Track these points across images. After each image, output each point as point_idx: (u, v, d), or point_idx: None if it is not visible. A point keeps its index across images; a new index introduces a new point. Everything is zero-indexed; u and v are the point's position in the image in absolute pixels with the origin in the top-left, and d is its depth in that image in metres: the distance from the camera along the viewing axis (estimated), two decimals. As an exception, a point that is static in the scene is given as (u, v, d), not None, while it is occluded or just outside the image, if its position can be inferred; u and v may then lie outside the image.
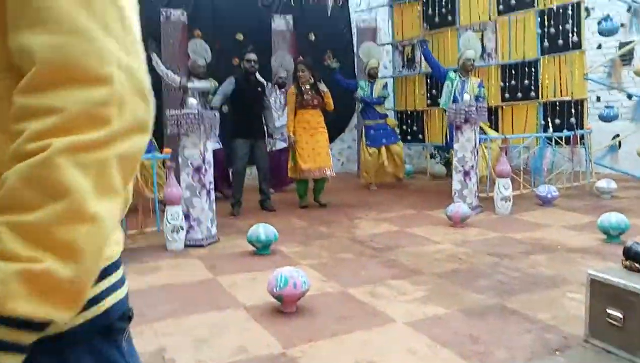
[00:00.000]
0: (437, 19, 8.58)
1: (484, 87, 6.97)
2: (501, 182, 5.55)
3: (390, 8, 9.52)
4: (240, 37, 8.21)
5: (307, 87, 6.18)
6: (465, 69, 6.75)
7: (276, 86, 7.57)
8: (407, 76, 9.20)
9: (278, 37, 8.51)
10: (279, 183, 7.56)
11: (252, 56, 6.03)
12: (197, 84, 6.46)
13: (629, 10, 8.06)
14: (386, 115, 7.84)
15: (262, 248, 4.18)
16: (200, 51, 6.79)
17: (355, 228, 5.14)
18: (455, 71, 6.87)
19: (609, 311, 2.37)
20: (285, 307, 2.97)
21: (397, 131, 8.31)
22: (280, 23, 8.53)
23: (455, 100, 6.44)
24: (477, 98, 6.63)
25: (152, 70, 6.40)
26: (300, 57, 6.72)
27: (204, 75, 6.70)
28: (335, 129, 8.64)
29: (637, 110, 7.47)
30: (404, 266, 3.84)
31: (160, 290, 3.42)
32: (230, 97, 6.08)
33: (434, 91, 8.66)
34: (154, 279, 3.65)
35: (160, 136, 6.88)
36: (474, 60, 6.81)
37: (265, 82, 7.36)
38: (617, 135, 7.85)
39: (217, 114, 4.91)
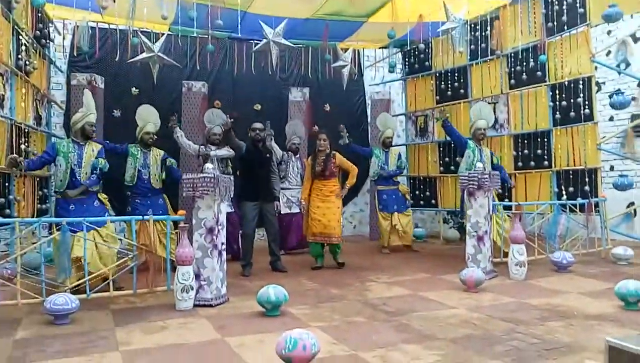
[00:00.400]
0: (449, 92, 8.81)
1: (495, 156, 7.12)
2: (515, 248, 5.49)
3: (403, 82, 9.83)
4: (258, 107, 8.52)
5: (323, 158, 6.45)
6: (477, 138, 6.88)
7: (290, 153, 7.81)
8: (420, 144, 9.36)
9: (294, 107, 8.78)
10: (288, 246, 7.64)
11: (257, 125, 6.29)
12: (220, 152, 6.67)
13: (639, 84, 8.22)
14: (399, 182, 8.01)
15: (271, 310, 4.13)
16: (215, 120, 7.03)
17: (367, 291, 5.06)
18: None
19: (629, 377, 2.28)
20: (294, 369, 2.90)
21: (409, 197, 8.40)
22: (297, 95, 8.83)
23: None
24: (495, 167, 6.72)
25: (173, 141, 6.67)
26: (316, 127, 6.94)
27: (219, 143, 6.90)
28: (348, 193, 8.70)
29: (652, 179, 7.44)
30: (417, 331, 3.75)
31: (167, 350, 3.37)
32: (239, 163, 6.40)
33: (446, 158, 8.79)
34: (162, 338, 3.60)
35: (175, 197, 7.02)
36: (485, 130, 6.94)
37: (281, 152, 7.60)
38: (632, 203, 7.79)
39: (232, 178, 5.01)
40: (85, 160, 5.16)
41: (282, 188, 7.47)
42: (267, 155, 6.38)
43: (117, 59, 7.23)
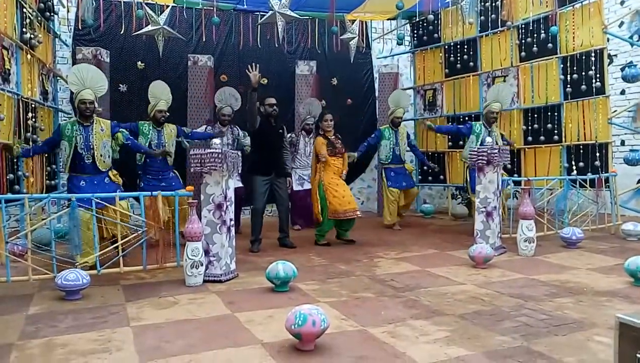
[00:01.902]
0: (458, 65, 8.69)
1: (505, 138, 7.18)
2: (524, 224, 5.46)
3: (412, 54, 9.69)
4: (264, 81, 8.42)
5: (333, 137, 6.47)
6: (488, 121, 6.85)
7: (304, 132, 7.72)
8: (428, 119, 9.25)
9: (301, 81, 8.69)
10: (310, 221, 7.65)
11: (273, 100, 6.15)
12: (246, 141, 6.87)
13: (652, 56, 8.07)
14: (405, 161, 7.91)
15: (280, 285, 4.14)
16: (228, 99, 6.99)
17: (376, 267, 5.07)
18: (478, 119, 6.95)
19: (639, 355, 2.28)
20: (303, 344, 2.92)
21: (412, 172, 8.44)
22: (304, 68, 8.72)
23: None
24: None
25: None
26: (323, 102, 6.84)
27: (229, 122, 6.91)
28: (355, 170, 8.69)
29: (663, 153, 7.35)
30: (425, 306, 3.76)
31: (177, 325, 3.39)
32: (252, 137, 6.31)
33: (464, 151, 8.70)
34: (172, 314, 3.62)
35: (183, 173, 7.02)
36: (497, 113, 6.89)
37: (284, 126, 7.57)
38: (643, 179, 7.73)
39: (240, 153, 4.99)
40: (95, 142, 5.02)
41: (294, 167, 7.49)
42: (280, 130, 6.31)
43: (122, 32, 7.17)
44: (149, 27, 6.75)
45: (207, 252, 4.50)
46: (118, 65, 7.82)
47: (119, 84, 7.89)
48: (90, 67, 5.32)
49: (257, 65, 5.87)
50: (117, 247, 4.73)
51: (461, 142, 7.94)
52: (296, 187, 7.51)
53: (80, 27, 7.39)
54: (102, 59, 7.35)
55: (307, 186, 7.56)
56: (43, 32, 6.68)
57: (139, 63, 7.92)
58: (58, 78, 7.58)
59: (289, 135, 7.61)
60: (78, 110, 5.05)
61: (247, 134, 6.98)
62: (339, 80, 9.18)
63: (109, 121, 5.35)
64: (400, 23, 9.41)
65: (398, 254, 5.71)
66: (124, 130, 5.40)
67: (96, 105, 5.18)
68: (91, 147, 5.02)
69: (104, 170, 5.13)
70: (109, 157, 5.17)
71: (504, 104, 7.03)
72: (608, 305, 3.69)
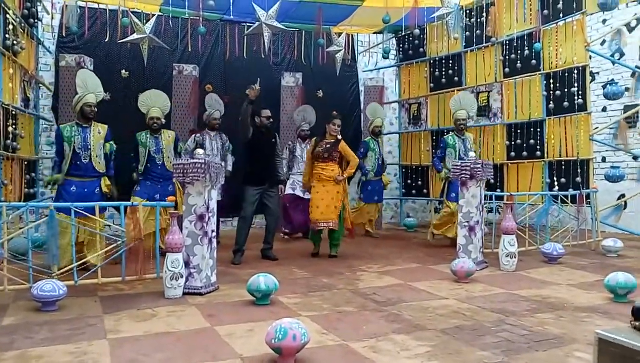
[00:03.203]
0: (443, 80, 8.77)
1: (474, 143, 7.35)
2: (506, 239, 5.49)
3: (397, 68, 9.76)
4: (249, 91, 8.39)
5: (331, 141, 6.31)
6: (459, 129, 6.94)
7: (299, 139, 7.86)
8: (412, 132, 9.32)
9: (287, 92, 8.70)
10: (295, 227, 7.80)
11: (268, 113, 6.19)
12: (229, 164, 6.96)
13: (633, 75, 8.21)
14: (382, 172, 8.24)
15: (261, 298, 4.10)
16: (215, 105, 7.03)
17: (358, 281, 5.05)
18: (452, 131, 7.06)
19: (618, 371, 2.29)
20: (283, 359, 2.88)
21: (395, 186, 8.63)
22: (290, 80, 8.74)
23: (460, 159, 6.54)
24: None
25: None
26: (335, 112, 6.83)
27: (219, 128, 6.92)
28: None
29: (643, 171, 7.47)
30: (407, 321, 3.74)
31: (155, 338, 3.33)
32: (244, 147, 6.24)
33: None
34: (150, 326, 3.56)
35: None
36: (465, 120, 6.97)
37: (276, 135, 7.58)
38: (623, 195, 7.82)
39: (223, 164, 4.96)
40: (92, 143, 5.28)
41: (291, 174, 7.55)
42: (273, 139, 6.30)
43: (106, 40, 7.11)
44: (134, 36, 6.71)
45: (187, 264, 4.44)
46: (102, 73, 7.62)
47: (103, 92, 7.79)
48: (91, 73, 5.82)
49: (259, 80, 5.99)
50: (93, 259, 4.66)
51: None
52: (288, 191, 7.52)
53: (64, 34, 7.32)
54: (85, 67, 7.26)
55: (299, 193, 7.54)
56: (26, 38, 6.60)
57: (123, 71, 7.85)
58: (40, 85, 7.49)
59: (288, 142, 7.84)
60: (81, 112, 5.32)
61: (232, 150, 7.05)
62: (324, 93, 9.20)
63: (106, 126, 5.50)
64: (387, 37, 9.48)
65: (381, 268, 5.70)
66: (112, 143, 5.53)
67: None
68: (89, 147, 5.26)
69: (100, 171, 5.33)
70: (103, 159, 5.42)
71: (469, 111, 7.08)
72: (588, 321, 3.71)
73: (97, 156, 5.31)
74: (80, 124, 5.32)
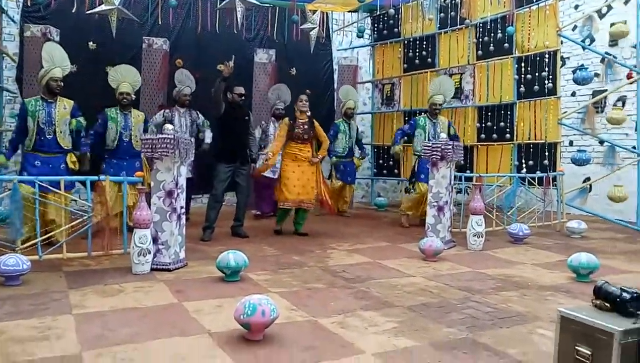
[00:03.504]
0: (417, 61, 8.77)
1: (453, 126, 7.22)
2: (474, 219, 5.57)
3: (372, 48, 9.72)
4: (221, 67, 8.25)
5: (304, 120, 6.24)
6: (433, 113, 6.96)
7: (273, 118, 7.74)
8: (385, 113, 9.33)
9: (259, 69, 8.59)
10: (264, 208, 7.77)
11: (242, 90, 6.12)
12: (208, 138, 6.78)
13: (602, 61, 8.34)
14: (353, 154, 8.25)
15: (230, 275, 4.08)
16: (185, 80, 6.87)
17: (328, 259, 5.08)
18: (425, 113, 7.08)
19: (578, 348, 2.35)
20: (252, 335, 2.88)
21: (367, 166, 8.63)
22: (263, 56, 8.63)
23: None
24: (453, 137, 6.79)
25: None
26: (308, 91, 6.76)
27: (189, 105, 6.77)
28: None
29: (608, 155, 7.64)
30: (376, 298, 3.78)
31: (122, 314, 3.29)
32: (217, 125, 6.20)
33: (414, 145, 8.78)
34: (117, 302, 3.52)
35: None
36: (440, 105, 6.99)
37: (249, 112, 7.47)
38: (588, 179, 8.01)
39: (193, 140, 4.89)
40: (57, 118, 5.17)
41: (263, 153, 7.40)
42: (246, 117, 6.22)
43: (73, 10, 6.86)
44: (103, 7, 6.51)
45: (155, 240, 4.39)
46: (68, 45, 7.37)
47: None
48: (58, 46, 5.62)
49: (234, 57, 5.92)
50: (60, 233, 4.57)
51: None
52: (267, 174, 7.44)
53: (29, 4, 7.04)
54: (51, 38, 7.04)
55: (270, 174, 7.46)
56: (-12, 6, 6.35)
57: (91, 43, 7.61)
58: (3, 56, 7.23)
59: (261, 122, 7.71)
60: (47, 87, 5.20)
61: (209, 124, 6.89)
62: (298, 70, 9.10)
63: (72, 102, 5.38)
64: (361, 16, 9.41)
65: (351, 246, 5.73)
66: (80, 119, 5.40)
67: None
68: (53, 122, 5.16)
69: (65, 147, 5.24)
70: (69, 135, 5.32)
71: (446, 96, 7.14)
72: (551, 300, 3.80)
73: (61, 132, 5.21)
74: (46, 98, 5.21)
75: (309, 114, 6.27)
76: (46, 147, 5.16)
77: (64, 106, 5.28)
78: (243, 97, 6.12)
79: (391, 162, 9.09)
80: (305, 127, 6.22)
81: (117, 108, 6.03)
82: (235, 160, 5.98)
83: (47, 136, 5.14)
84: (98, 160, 6.01)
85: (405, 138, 7.46)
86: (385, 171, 9.31)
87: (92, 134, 5.81)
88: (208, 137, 6.85)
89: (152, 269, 4.32)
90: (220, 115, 5.99)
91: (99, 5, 6.53)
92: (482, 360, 2.71)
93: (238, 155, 6.02)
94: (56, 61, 5.25)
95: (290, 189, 6.11)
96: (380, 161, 9.35)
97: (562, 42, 7.27)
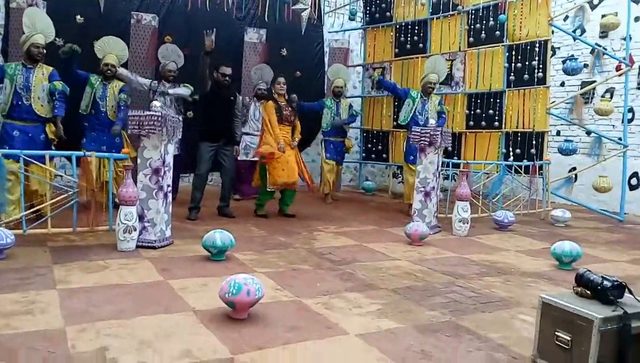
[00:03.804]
0: (408, 45, 8.72)
1: (443, 104, 7.21)
2: (460, 205, 5.61)
3: (363, 31, 9.65)
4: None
5: (284, 103, 6.26)
6: (426, 91, 6.92)
7: (255, 98, 7.63)
8: (375, 97, 9.30)
9: (250, 48, 8.50)
10: (244, 192, 7.61)
11: (228, 70, 6.04)
12: (178, 90, 6.49)
13: (592, 52, 8.38)
14: (346, 135, 8.16)
15: (216, 254, 4.08)
16: (170, 55, 6.77)
17: (314, 240, 5.09)
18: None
19: (558, 333, 2.39)
20: (237, 313, 2.89)
21: (356, 150, 8.54)
22: (253, 36, 8.53)
23: (414, 121, 6.63)
24: (440, 114, 6.81)
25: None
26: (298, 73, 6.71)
27: (174, 80, 6.66)
28: (301, 143, 8.64)
29: (594, 146, 7.71)
30: (360, 280, 3.80)
31: (106, 290, 3.29)
32: (202, 102, 6.15)
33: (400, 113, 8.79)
34: (101, 278, 3.51)
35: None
36: (434, 84, 6.96)
37: (236, 93, 7.38)
38: (574, 168, 8.09)
39: (181, 118, 4.84)
40: (34, 83, 5.07)
41: (244, 133, 7.35)
42: (232, 97, 6.17)
43: (61, -18, 6.73)
44: (91, -21, 6.39)
45: (141, 217, 4.36)
46: (55, 17, 7.20)
47: (55, 37, 7.41)
48: (42, 12, 5.59)
49: (214, 29, 5.85)
50: (44, 208, 4.52)
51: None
52: (241, 157, 7.37)
53: (15, -27, 6.89)
54: (38, 9, 6.88)
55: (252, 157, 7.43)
56: (-27, -26, 6.19)
57: (78, 17, 7.44)
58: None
59: (245, 98, 7.53)
60: (28, 53, 5.12)
61: (187, 86, 6.74)
62: (288, 51, 9.01)
63: (52, 68, 5.29)
64: (354, -2, 9.34)
65: (337, 228, 5.75)
66: (56, 83, 5.24)
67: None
68: (30, 88, 5.05)
69: (41, 115, 5.13)
70: (47, 103, 5.19)
71: (440, 76, 7.11)
72: (533, 286, 3.86)
73: (38, 98, 5.10)
74: (26, 65, 5.12)
75: (287, 97, 6.31)
76: (24, 113, 5.05)
77: (42, 72, 5.17)
78: (227, 78, 6.02)
79: (380, 147, 9.08)
80: (290, 109, 6.28)
81: (100, 78, 6.04)
82: (218, 139, 5.95)
83: (25, 102, 5.03)
84: (77, 130, 5.97)
85: (389, 94, 7.69)
86: (373, 155, 9.30)
87: (70, 74, 5.77)
88: (182, 90, 6.60)
89: (137, 246, 4.30)
90: (205, 93, 5.94)
91: (88, -23, 6.40)
92: (464, 343, 2.75)
93: (221, 135, 5.99)
94: (38, 27, 5.15)
95: (279, 172, 6.08)
96: (369, 145, 9.34)
97: (553, 32, 7.27)
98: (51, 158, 4.75)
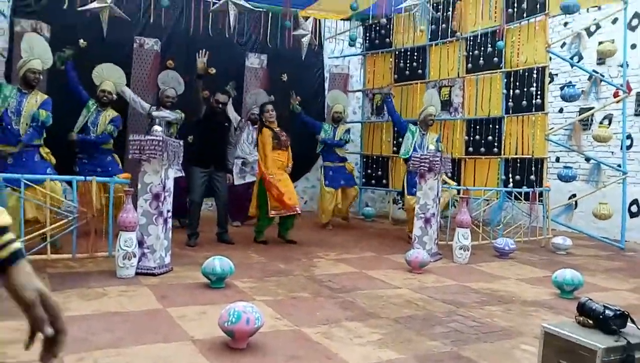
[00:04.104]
0: (407, 72, 8.80)
1: (441, 142, 7.26)
2: (461, 232, 5.60)
3: (363, 57, 9.75)
4: (213, 70, 8.24)
5: (278, 129, 6.29)
6: (426, 124, 6.98)
7: (249, 122, 7.65)
8: (375, 123, 9.35)
9: (250, 74, 8.58)
10: (245, 216, 7.52)
11: (222, 98, 6.11)
12: (163, 113, 6.50)
13: (589, 78, 8.46)
14: (345, 159, 8.14)
15: (216, 281, 4.06)
16: (170, 82, 6.84)
17: (314, 268, 5.07)
18: (415, 124, 7.08)
19: (561, 363, 2.37)
20: (236, 343, 2.86)
21: (356, 175, 8.51)
22: (254, 61, 8.62)
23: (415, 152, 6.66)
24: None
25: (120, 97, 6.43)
26: (271, 97, 6.77)
27: (172, 107, 6.73)
28: (301, 168, 8.67)
29: (593, 172, 7.73)
30: (361, 308, 3.77)
31: (105, 317, 3.26)
32: (195, 127, 6.22)
33: (400, 139, 8.78)
34: (100, 305, 3.48)
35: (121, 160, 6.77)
36: (434, 116, 7.02)
37: (237, 117, 7.42)
38: (574, 195, 8.09)
39: (182, 143, 4.86)
40: (25, 109, 4.97)
41: (236, 157, 7.35)
42: (226, 123, 6.22)
43: (65, 7, 6.80)
44: (95, 4, 6.47)
45: (141, 243, 4.35)
46: (59, 42, 7.37)
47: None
48: (40, 38, 5.49)
49: (207, 52, 5.94)
50: (44, 233, 4.50)
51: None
52: (237, 181, 7.36)
53: (20, -3, 6.99)
54: (42, 34, 6.95)
55: (249, 179, 7.41)
56: (-22, 0, 6.27)
57: (82, 41, 7.54)
58: (-8, 49, 7.14)
59: (239, 119, 7.57)
60: (24, 78, 5.06)
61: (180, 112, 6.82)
62: (289, 77, 9.10)
63: (46, 96, 5.21)
64: (354, 24, 9.44)
65: (337, 255, 5.73)
66: (43, 111, 5.04)
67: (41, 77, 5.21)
68: (21, 113, 4.95)
69: (33, 143, 5.03)
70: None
71: (437, 109, 7.18)
72: (535, 315, 3.83)
73: (27, 125, 4.95)
74: (21, 89, 5.04)
75: (276, 123, 6.34)
76: (12, 140, 4.86)
77: (35, 99, 5.06)
78: (220, 106, 6.08)
79: (380, 172, 9.10)
80: (285, 136, 6.33)
81: (98, 105, 6.11)
82: (209, 165, 5.95)
83: (14, 126, 4.88)
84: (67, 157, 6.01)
85: (389, 119, 7.82)
86: (373, 181, 9.32)
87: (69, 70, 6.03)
88: (165, 113, 6.60)
89: (136, 273, 4.28)
90: (199, 118, 6.00)
91: (91, 2, 6.48)
92: (466, 375, 2.72)
93: (212, 161, 5.99)
94: (35, 53, 5.12)
95: (282, 197, 6.08)
96: (369, 171, 9.36)
97: (550, 59, 7.35)
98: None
